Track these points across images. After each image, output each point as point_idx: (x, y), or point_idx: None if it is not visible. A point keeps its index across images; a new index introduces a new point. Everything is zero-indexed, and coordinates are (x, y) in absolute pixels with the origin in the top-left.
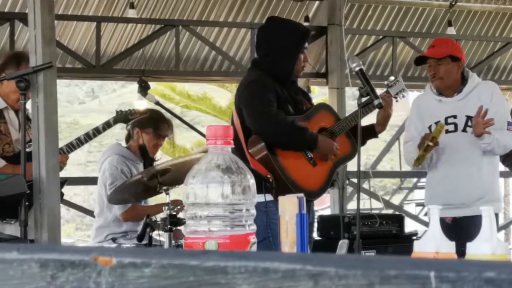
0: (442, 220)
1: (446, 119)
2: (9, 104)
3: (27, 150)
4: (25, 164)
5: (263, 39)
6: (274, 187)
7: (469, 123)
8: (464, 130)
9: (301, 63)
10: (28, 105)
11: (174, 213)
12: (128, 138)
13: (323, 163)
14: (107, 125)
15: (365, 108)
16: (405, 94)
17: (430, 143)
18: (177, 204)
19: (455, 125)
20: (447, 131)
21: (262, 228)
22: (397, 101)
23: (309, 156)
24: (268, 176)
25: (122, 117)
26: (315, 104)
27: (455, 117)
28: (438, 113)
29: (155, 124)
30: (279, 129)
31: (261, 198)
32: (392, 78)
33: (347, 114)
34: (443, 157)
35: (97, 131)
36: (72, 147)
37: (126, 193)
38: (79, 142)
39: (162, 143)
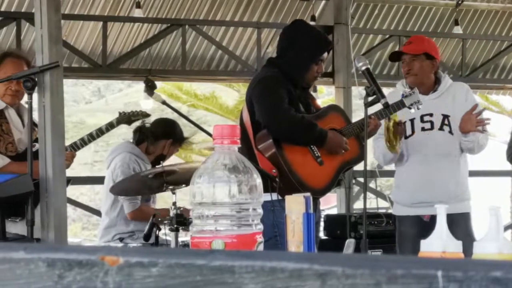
0: (420, 218)
1: (421, 117)
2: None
3: (33, 149)
4: (31, 163)
5: (283, 40)
6: (280, 186)
7: (446, 122)
8: (441, 129)
9: (314, 74)
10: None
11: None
12: (141, 140)
13: (330, 162)
14: (110, 126)
15: (378, 114)
16: (419, 106)
17: (391, 124)
18: (165, 215)
19: (431, 123)
20: (423, 129)
21: (268, 227)
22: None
23: (317, 154)
24: (274, 171)
25: (126, 118)
26: (325, 105)
27: (431, 115)
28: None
29: (182, 137)
30: (288, 123)
31: (268, 197)
32: (407, 89)
33: (353, 114)
34: (418, 155)
35: (100, 132)
36: (76, 146)
37: (130, 186)
38: (83, 142)
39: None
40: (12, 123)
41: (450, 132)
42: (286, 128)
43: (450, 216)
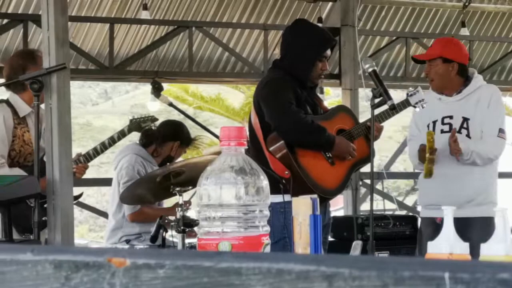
0: (433, 220)
1: (442, 118)
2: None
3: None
4: (38, 165)
5: (285, 41)
6: (287, 188)
7: (465, 125)
8: (458, 132)
9: (318, 71)
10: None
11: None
12: (149, 142)
13: (341, 163)
14: (122, 134)
15: (385, 113)
16: (424, 104)
17: (431, 156)
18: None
19: (450, 125)
20: (442, 131)
21: (278, 229)
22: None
23: (328, 155)
24: (287, 172)
25: (136, 125)
26: (334, 106)
27: (451, 117)
28: (436, 112)
29: (188, 139)
30: (297, 126)
31: (277, 198)
32: (411, 88)
33: (360, 116)
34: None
35: (112, 141)
36: (89, 157)
37: (137, 193)
38: (95, 152)
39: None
40: (31, 131)
41: (468, 135)
42: (295, 132)
43: (467, 220)
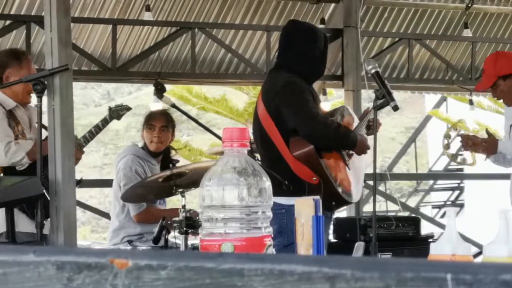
0: None
1: (511, 125)
2: (18, 102)
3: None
4: (41, 166)
5: (291, 42)
6: (290, 189)
7: None
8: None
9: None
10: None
11: (190, 215)
12: (144, 143)
13: (355, 167)
14: (105, 122)
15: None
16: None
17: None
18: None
19: None
20: (510, 136)
21: (292, 231)
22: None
23: (346, 159)
24: (314, 178)
25: (115, 113)
26: (337, 107)
27: None
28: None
29: (145, 119)
30: (330, 133)
31: (292, 201)
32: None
33: None
34: None
35: (98, 128)
36: (80, 146)
37: (139, 192)
38: (85, 140)
39: (157, 134)
40: (23, 123)
41: None
42: (328, 137)
43: None
